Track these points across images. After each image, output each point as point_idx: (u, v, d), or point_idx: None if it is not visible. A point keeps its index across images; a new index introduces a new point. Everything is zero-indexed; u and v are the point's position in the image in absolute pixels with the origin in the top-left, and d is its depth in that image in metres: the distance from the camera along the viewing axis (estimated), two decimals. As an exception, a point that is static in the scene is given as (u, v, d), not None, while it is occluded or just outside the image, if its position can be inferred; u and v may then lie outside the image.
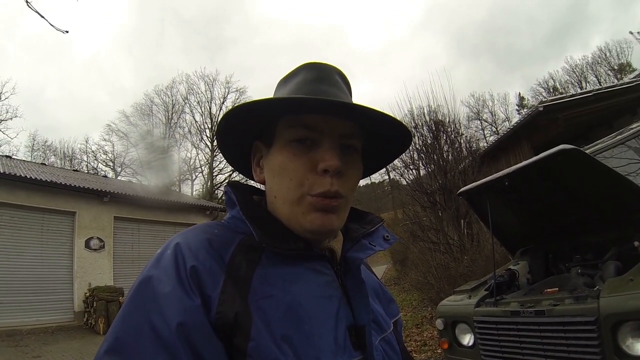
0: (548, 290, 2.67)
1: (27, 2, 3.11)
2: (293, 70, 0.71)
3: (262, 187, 0.75)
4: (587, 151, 3.71)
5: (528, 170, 2.84)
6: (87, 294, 10.02)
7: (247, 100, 0.62)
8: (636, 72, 10.83)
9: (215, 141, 0.72)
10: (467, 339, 3.14)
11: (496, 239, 3.87)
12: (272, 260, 0.61)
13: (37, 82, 41.26)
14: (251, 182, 0.80)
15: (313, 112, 0.62)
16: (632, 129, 3.58)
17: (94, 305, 9.55)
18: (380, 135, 0.69)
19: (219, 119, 0.67)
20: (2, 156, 14.33)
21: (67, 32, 3.77)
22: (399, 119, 0.67)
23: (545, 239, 3.57)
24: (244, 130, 0.69)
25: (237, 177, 28.71)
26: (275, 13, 55.06)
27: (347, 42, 57.06)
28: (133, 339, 0.49)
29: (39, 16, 3.33)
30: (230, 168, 29.16)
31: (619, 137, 3.64)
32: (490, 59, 50.82)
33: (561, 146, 2.57)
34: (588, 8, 43.40)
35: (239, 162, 0.78)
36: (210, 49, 50.71)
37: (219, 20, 50.65)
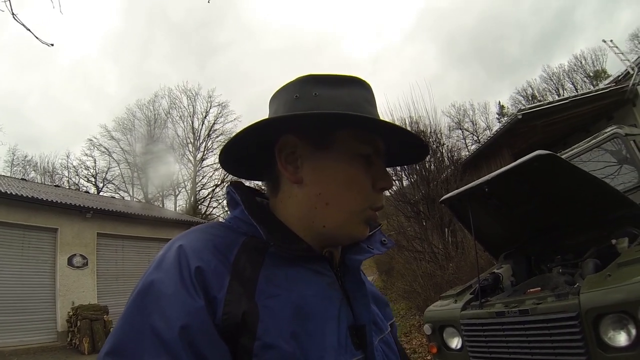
0: (531, 290, 2.75)
1: (13, 14, 3.10)
2: (339, 77, 0.70)
3: (259, 187, 0.76)
4: (564, 156, 3.85)
5: (506, 176, 2.93)
6: (71, 313, 9.75)
7: (340, 112, 0.65)
8: (610, 78, 11.21)
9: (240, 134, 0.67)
10: (455, 342, 3.18)
11: (479, 244, 3.94)
12: (275, 261, 0.62)
13: (18, 90, 39.89)
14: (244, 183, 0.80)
15: (379, 134, 0.69)
16: (606, 132, 3.72)
17: (78, 324, 9.30)
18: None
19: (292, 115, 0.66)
20: (-19, 174, 13.97)
21: (52, 45, 3.76)
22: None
23: (526, 242, 3.66)
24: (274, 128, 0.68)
25: (220, 191, 28.64)
26: (268, 17, 54.89)
27: (340, 48, 57.38)
28: (134, 342, 0.49)
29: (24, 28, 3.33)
30: (213, 183, 29.03)
31: (594, 140, 3.79)
32: (480, 67, 51.79)
33: (537, 152, 2.66)
34: (574, 16, 44.76)
35: (234, 161, 0.75)
36: (199, 54, 50.20)
37: (208, 24, 50.18)
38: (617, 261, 2.41)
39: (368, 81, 0.73)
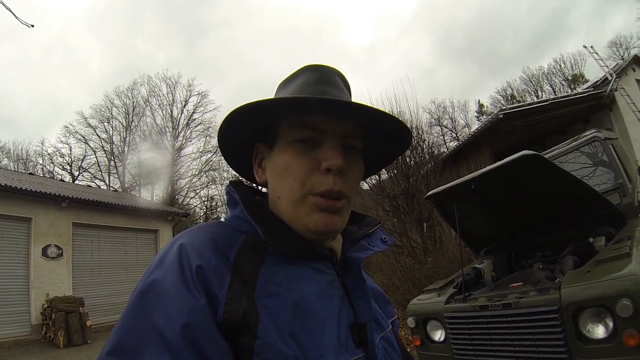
0: (513, 284, 2.85)
1: (-7, -6, 3.01)
2: (294, 73, 0.72)
3: (263, 189, 0.76)
4: (545, 156, 3.98)
5: (492, 174, 3.02)
6: (45, 305, 9.48)
7: (250, 101, 0.62)
8: (589, 83, 11.58)
9: (217, 142, 0.73)
10: (439, 335, 3.27)
11: (461, 239, 4.04)
12: (276, 259, 0.62)
13: None
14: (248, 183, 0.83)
15: (314, 112, 0.64)
16: (585, 136, 3.87)
17: (53, 317, 9.04)
18: (380, 135, 0.71)
19: (223, 119, 0.66)
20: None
21: (32, 26, 3.66)
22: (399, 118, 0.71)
23: (507, 239, 3.78)
24: (244, 132, 0.70)
25: (198, 181, 28.37)
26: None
27: (337, 36, 56.28)
28: (136, 340, 0.49)
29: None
30: (191, 173, 28.74)
31: (575, 143, 3.92)
32: (471, 64, 51.84)
33: (523, 152, 2.76)
34: (568, 19, 45.30)
35: (239, 164, 0.79)
36: (189, 33, 47.69)
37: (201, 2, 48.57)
38: (595, 258, 2.52)
39: (326, 64, 0.72)
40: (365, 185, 10.16)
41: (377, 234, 0.78)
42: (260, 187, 0.77)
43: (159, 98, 30.67)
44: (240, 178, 0.82)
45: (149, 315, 0.50)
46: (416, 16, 54.79)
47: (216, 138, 0.74)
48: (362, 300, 0.67)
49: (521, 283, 2.81)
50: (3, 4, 3.14)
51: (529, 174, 3.00)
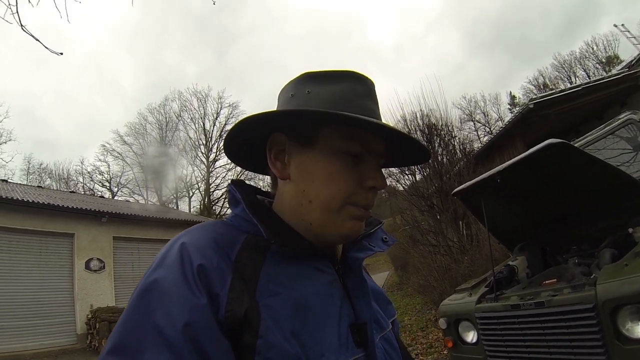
0: (546, 281, 2.69)
1: (21, 26, 3.14)
2: (332, 72, 0.69)
3: (264, 184, 0.75)
4: (578, 144, 3.77)
5: (518, 166, 2.87)
6: (89, 316, 9.96)
7: (315, 109, 0.64)
8: (623, 64, 10.97)
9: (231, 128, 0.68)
10: (471, 336, 3.14)
11: (493, 236, 3.88)
12: (277, 258, 0.62)
13: (31, 90, 39.71)
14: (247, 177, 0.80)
15: (370, 131, 0.65)
16: (619, 119, 3.64)
17: (97, 326, 9.48)
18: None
19: (258, 116, 0.63)
20: (-2, 181, 14.26)
21: (61, 54, 3.79)
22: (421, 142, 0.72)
23: (541, 233, 3.60)
24: (266, 125, 0.68)
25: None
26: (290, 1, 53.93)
27: (363, 35, 56.43)
28: (137, 339, 0.49)
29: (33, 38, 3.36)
30: (226, 184, 29.28)
31: (608, 127, 3.70)
32: (501, 55, 50.58)
33: (549, 140, 2.61)
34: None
35: (238, 151, 0.76)
36: (217, 42, 49.01)
37: (227, 9, 49.68)
38: (634, 250, 2.35)
39: (367, 75, 0.71)
40: (400, 187, 10.06)
41: (378, 234, 0.78)
42: (273, 182, 0.74)
43: (190, 112, 31.67)
44: (240, 173, 0.80)
45: (150, 314, 0.50)
46: (442, 11, 53.85)
47: None
48: (363, 300, 0.67)
49: (555, 280, 2.65)
50: (32, 36, 3.26)
51: (558, 164, 2.84)
